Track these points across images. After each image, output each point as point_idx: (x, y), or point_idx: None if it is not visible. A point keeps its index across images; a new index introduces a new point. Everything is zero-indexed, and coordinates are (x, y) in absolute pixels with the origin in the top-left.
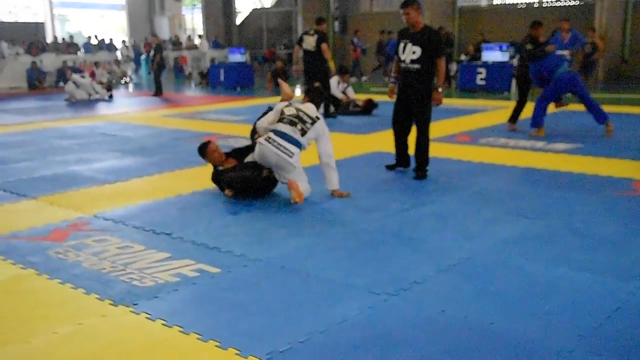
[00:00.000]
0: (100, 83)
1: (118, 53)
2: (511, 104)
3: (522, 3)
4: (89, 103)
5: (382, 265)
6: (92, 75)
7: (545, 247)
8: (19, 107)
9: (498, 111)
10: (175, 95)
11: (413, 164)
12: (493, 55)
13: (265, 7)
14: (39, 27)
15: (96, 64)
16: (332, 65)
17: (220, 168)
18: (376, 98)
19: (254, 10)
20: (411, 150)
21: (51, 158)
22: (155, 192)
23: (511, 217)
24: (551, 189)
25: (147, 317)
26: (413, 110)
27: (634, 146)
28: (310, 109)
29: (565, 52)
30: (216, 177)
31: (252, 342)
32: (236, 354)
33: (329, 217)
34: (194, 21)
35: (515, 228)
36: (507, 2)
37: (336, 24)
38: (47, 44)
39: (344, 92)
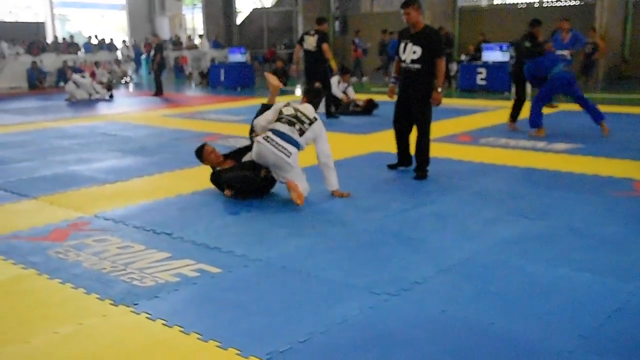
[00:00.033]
0: (101, 83)
1: (118, 53)
2: (511, 104)
3: (522, 3)
4: (90, 103)
5: (383, 265)
6: (93, 75)
7: (546, 247)
8: (20, 107)
9: (498, 111)
10: (175, 95)
11: (414, 163)
12: (493, 55)
13: (266, 6)
14: (39, 27)
15: (96, 63)
16: (333, 64)
17: (219, 169)
18: (377, 98)
19: (254, 10)
20: (412, 150)
21: (51, 158)
22: (156, 192)
23: (511, 217)
24: (551, 189)
25: (147, 317)
26: (413, 110)
27: (635, 146)
28: (308, 109)
29: (566, 52)
30: (215, 178)
31: (252, 342)
32: (237, 354)
33: (330, 217)
34: (194, 21)
35: (515, 228)
36: (507, 2)
37: (336, 23)
38: (47, 43)
39: (344, 92)
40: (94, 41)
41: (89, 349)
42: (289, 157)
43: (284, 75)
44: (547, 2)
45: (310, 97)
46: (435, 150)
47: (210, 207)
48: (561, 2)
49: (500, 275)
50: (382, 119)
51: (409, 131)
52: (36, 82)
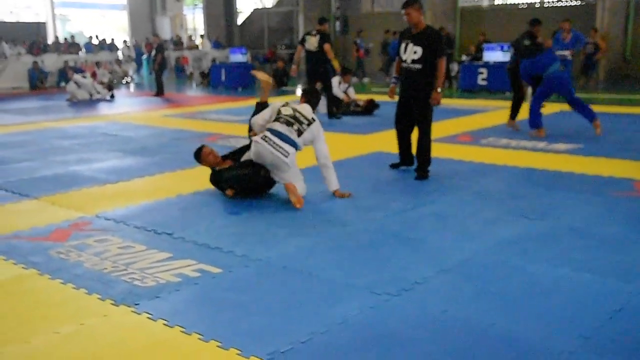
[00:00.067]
0: (102, 83)
1: (119, 53)
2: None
3: (523, 3)
4: (91, 103)
5: (383, 265)
6: (94, 75)
7: (546, 248)
8: (21, 107)
9: (499, 111)
10: (176, 95)
11: (416, 162)
12: (494, 55)
13: (267, 7)
14: (40, 27)
15: (97, 64)
16: (336, 64)
17: (218, 169)
18: (377, 98)
19: (255, 10)
20: (414, 149)
21: (52, 158)
22: (157, 192)
23: (512, 218)
24: (552, 189)
25: (148, 317)
26: (414, 110)
27: (635, 146)
28: (306, 109)
29: (567, 53)
30: (214, 179)
31: (253, 342)
32: (238, 354)
33: (330, 217)
34: (195, 21)
35: (516, 228)
36: (508, 3)
37: (337, 24)
38: (48, 44)
39: (345, 92)
40: (95, 41)
41: (89, 349)
42: (286, 157)
43: (284, 76)
44: (548, 2)
45: (308, 97)
46: (436, 151)
47: (211, 207)
48: (562, 2)
49: (500, 276)
50: (382, 119)
51: (411, 131)
52: (37, 82)
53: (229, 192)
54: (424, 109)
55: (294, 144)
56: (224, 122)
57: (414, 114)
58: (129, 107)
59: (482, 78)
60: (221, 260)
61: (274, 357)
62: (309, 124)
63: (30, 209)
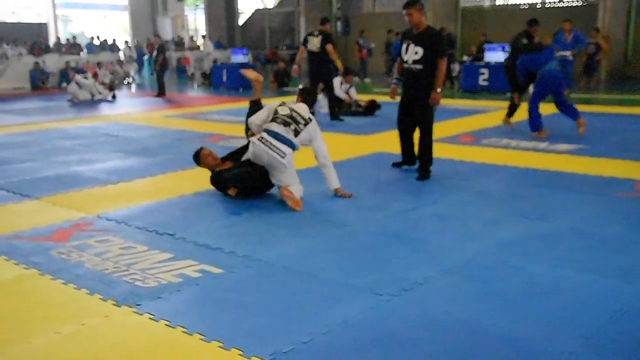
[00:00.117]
0: (103, 84)
1: (121, 53)
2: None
3: (524, 4)
4: (92, 104)
5: (384, 266)
6: (95, 75)
7: (548, 248)
8: (22, 108)
9: (501, 112)
10: (177, 95)
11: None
12: (495, 55)
13: (268, 7)
14: (41, 28)
15: (99, 64)
16: (339, 64)
17: (218, 170)
18: (379, 99)
19: (256, 10)
20: (416, 149)
21: (54, 158)
22: (158, 193)
23: (513, 218)
24: (553, 190)
25: (150, 318)
26: (416, 110)
27: (637, 147)
28: (303, 109)
29: (568, 53)
30: (215, 180)
31: (255, 343)
32: (239, 354)
33: (331, 217)
34: (196, 22)
35: (517, 229)
36: (509, 3)
37: (338, 24)
38: (50, 44)
39: (347, 93)
40: (97, 42)
41: (91, 350)
42: (283, 157)
43: (285, 76)
44: (550, 2)
45: (305, 96)
46: (438, 151)
47: (212, 208)
48: (564, 2)
49: (501, 276)
50: (384, 120)
51: (413, 131)
52: (39, 83)
53: (231, 191)
54: (425, 109)
55: (291, 145)
56: (226, 122)
57: (415, 115)
58: (130, 107)
59: (483, 78)
60: (222, 260)
61: (275, 358)
62: (306, 123)
63: (31, 209)
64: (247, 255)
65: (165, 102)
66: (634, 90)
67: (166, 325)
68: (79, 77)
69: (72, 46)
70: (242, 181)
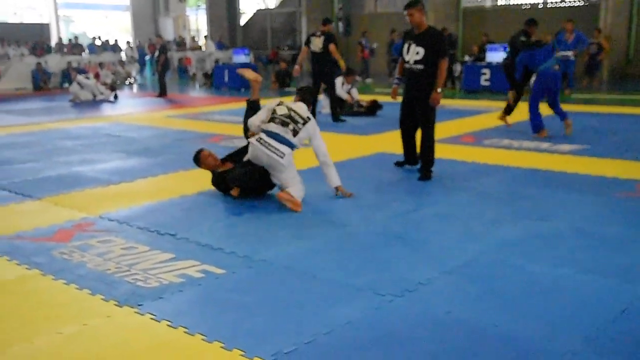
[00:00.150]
0: (105, 84)
1: (122, 54)
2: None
3: (526, 4)
4: (94, 104)
5: (386, 266)
6: (97, 76)
7: (550, 248)
8: (24, 108)
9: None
10: (179, 96)
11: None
12: (497, 56)
13: (270, 8)
14: (43, 28)
15: (100, 64)
16: (342, 64)
17: (219, 171)
18: (381, 99)
19: (258, 11)
20: (418, 149)
21: (56, 159)
22: (160, 193)
23: (514, 218)
24: (555, 190)
25: (152, 318)
26: (417, 111)
27: (639, 147)
28: (302, 108)
29: (569, 53)
30: (216, 180)
31: (257, 343)
32: (241, 354)
33: (333, 217)
34: (198, 22)
35: (519, 229)
36: (511, 3)
37: (340, 24)
38: (51, 45)
39: (348, 93)
40: (98, 42)
41: (93, 350)
42: (282, 157)
43: (287, 76)
44: (552, 2)
45: (303, 95)
46: (439, 151)
47: (214, 208)
48: (565, 2)
49: (504, 276)
50: (386, 120)
51: (415, 131)
52: (41, 83)
53: (233, 192)
54: (426, 109)
55: (289, 144)
56: (227, 123)
57: (417, 115)
58: (132, 108)
59: (485, 79)
60: (224, 261)
61: (277, 358)
62: (305, 122)
63: (33, 209)
64: (248, 255)
65: (166, 103)
66: (635, 90)
67: (168, 325)
68: (80, 78)
69: (74, 46)
70: (243, 181)
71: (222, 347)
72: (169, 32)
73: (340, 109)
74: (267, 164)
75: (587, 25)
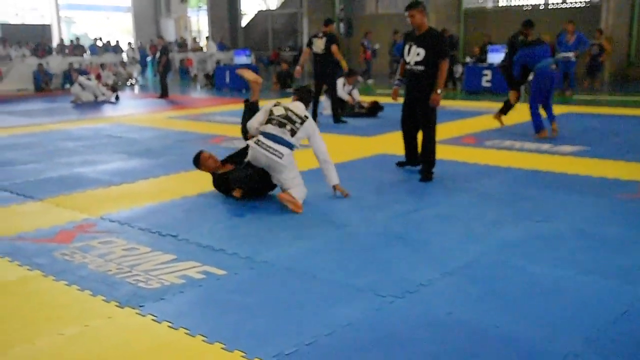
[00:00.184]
0: (106, 85)
1: (124, 55)
2: (517, 106)
3: (527, 5)
4: (95, 105)
5: (387, 267)
6: (98, 77)
7: (551, 250)
8: (26, 109)
9: None
10: (180, 97)
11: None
12: (498, 57)
13: (271, 9)
14: (45, 30)
15: (102, 66)
16: (344, 64)
17: (220, 172)
18: (382, 100)
19: (259, 12)
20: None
21: (57, 160)
22: (161, 194)
23: (516, 219)
24: (557, 191)
25: (153, 319)
26: (418, 112)
27: None
28: (299, 107)
29: (571, 54)
30: (218, 182)
31: (258, 344)
32: (242, 356)
33: (334, 218)
34: (199, 23)
35: (520, 230)
36: (512, 4)
37: (341, 26)
38: (53, 46)
39: (349, 94)
40: (100, 43)
41: (94, 351)
42: (281, 158)
43: (288, 77)
44: (553, 3)
45: (301, 94)
46: (440, 152)
47: (215, 209)
48: (567, 3)
49: (505, 277)
50: (386, 121)
51: (417, 132)
52: (42, 84)
53: (236, 193)
54: (427, 110)
55: (288, 145)
56: (229, 124)
57: (417, 116)
58: (133, 109)
59: (486, 80)
60: (225, 262)
61: (278, 359)
62: (302, 122)
63: (34, 210)
64: (249, 256)
65: (168, 104)
66: (637, 91)
67: (169, 326)
68: (82, 79)
69: (76, 47)
70: (245, 183)
71: (223, 348)
72: (170, 33)
73: (342, 110)
74: (267, 165)
75: (589, 27)
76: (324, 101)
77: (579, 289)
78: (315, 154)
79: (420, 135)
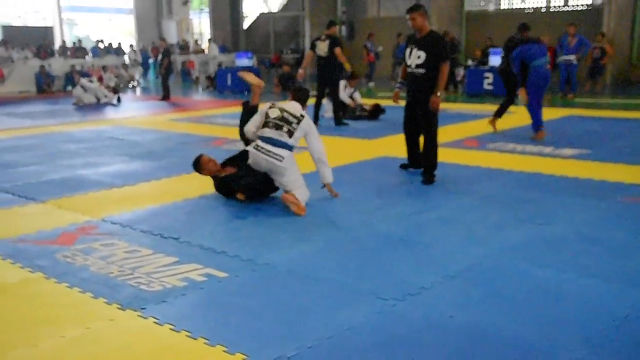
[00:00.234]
0: (108, 87)
1: (126, 57)
2: (518, 109)
3: (529, 8)
4: (97, 107)
5: (389, 270)
6: (100, 79)
7: (553, 253)
8: (28, 111)
9: (505, 116)
10: (182, 99)
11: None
12: (500, 60)
13: (273, 11)
14: (47, 32)
15: (104, 68)
16: (348, 67)
17: (222, 175)
18: (384, 103)
19: (261, 14)
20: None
21: (59, 162)
22: (163, 196)
23: (518, 222)
24: (559, 195)
25: (154, 322)
26: (418, 114)
27: None
28: (295, 107)
29: (572, 57)
30: (220, 185)
31: (259, 347)
32: (244, 359)
33: (336, 221)
34: (201, 25)
35: (522, 233)
36: (514, 7)
37: (343, 28)
38: (55, 48)
39: (351, 97)
40: (102, 45)
41: (95, 353)
42: (281, 161)
43: (290, 80)
44: (555, 6)
45: (297, 94)
46: (442, 155)
47: (217, 212)
48: (568, 6)
49: (507, 281)
50: (388, 124)
51: (419, 134)
52: (44, 86)
53: (240, 195)
54: (428, 113)
55: (287, 146)
56: (230, 126)
57: (418, 119)
58: (135, 111)
59: (487, 83)
60: (227, 264)
61: None
62: (299, 121)
63: (36, 212)
64: (251, 259)
65: (170, 106)
66: (639, 94)
67: (171, 329)
68: (84, 81)
69: (78, 50)
70: (256, 189)
71: (225, 351)
72: (172, 36)
73: (343, 113)
74: (268, 169)
75: (590, 30)
76: (326, 104)
77: (581, 292)
78: (311, 153)
79: (422, 138)
